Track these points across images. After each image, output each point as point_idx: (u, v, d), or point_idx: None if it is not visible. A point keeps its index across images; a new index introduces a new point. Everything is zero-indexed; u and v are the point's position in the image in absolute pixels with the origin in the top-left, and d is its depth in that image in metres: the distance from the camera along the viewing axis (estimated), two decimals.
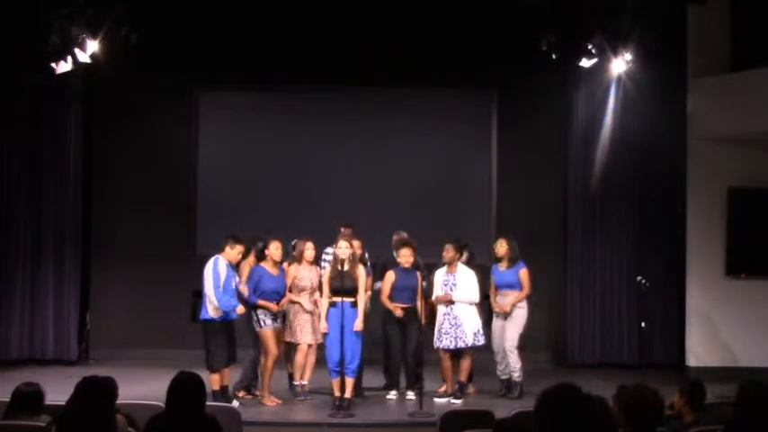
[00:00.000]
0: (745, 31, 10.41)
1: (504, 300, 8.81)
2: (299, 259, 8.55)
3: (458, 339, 8.48)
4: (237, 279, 8.26)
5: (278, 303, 8.35)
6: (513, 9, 9.86)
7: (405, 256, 8.56)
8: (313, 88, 11.30)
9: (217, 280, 7.98)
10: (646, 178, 10.89)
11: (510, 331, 8.73)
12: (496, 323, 8.86)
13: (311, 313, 8.43)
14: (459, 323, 8.46)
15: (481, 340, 8.57)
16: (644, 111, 10.63)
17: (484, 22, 10.59)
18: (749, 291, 10.41)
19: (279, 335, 8.42)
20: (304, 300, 8.43)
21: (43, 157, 10.76)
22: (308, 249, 8.55)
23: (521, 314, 8.78)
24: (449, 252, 8.60)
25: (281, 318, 8.43)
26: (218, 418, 4.21)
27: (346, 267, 8.09)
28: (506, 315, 8.76)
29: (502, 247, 8.88)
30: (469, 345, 8.49)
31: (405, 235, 9.06)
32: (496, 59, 10.97)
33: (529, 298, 8.87)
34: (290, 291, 8.46)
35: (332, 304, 8.09)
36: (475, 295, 8.55)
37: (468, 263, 8.86)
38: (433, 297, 8.62)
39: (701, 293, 10.51)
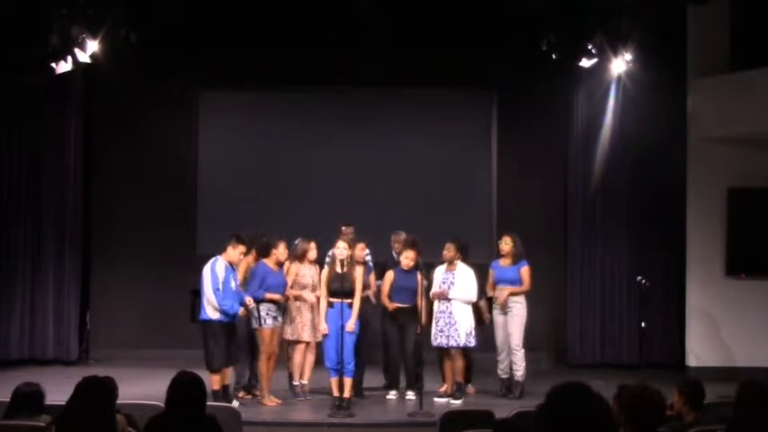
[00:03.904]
0: (745, 31, 10.40)
1: (500, 292, 8.81)
2: (300, 258, 8.54)
3: (450, 338, 8.48)
4: (238, 280, 8.27)
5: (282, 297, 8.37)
6: (513, 9, 9.85)
7: (406, 258, 8.56)
8: (313, 88, 11.30)
9: (215, 282, 7.97)
10: (646, 178, 10.89)
11: (514, 331, 8.73)
12: (498, 319, 8.86)
13: (312, 311, 8.43)
14: (453, 322, 8.46)
15: (473, 342, 8.57)
16: (644, 111, 10.62)
17: (484, 21, 10.59)
18: (749, 291, 10.41)
19: (278, 334, 8.41)
20: (307, 293, 8.42)
21: (43, 157, 10.77)
22: (312, 250, 8.57)
23: (521, 311, 8.78)
24: (449, 251, 8.61)
25: (282, 316, 8.42)
26: (218, 418, 4.21)
27: (345, 269, 8.10)
28: (505, 309, 8.76)
29: (507, 245, 8.88)
30: (461, 345, 8.49)
31: (404, 235, 9.06)
32: (496, 59, 10.98)
33: (528, 296, 8.87)
34: (292, 288, 8.47)
35: (330, 305, 8.10)
36: (472, 294, 8.55)
37: (464, 261, 8.87)
38: (431, 293, 8.62)
39: (701, 293, 10.51)
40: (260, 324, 8.31)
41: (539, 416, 2.83)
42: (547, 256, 10.68)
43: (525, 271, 8.81)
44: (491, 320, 9.01)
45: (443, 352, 8.63)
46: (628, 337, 10.79)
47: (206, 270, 8.09)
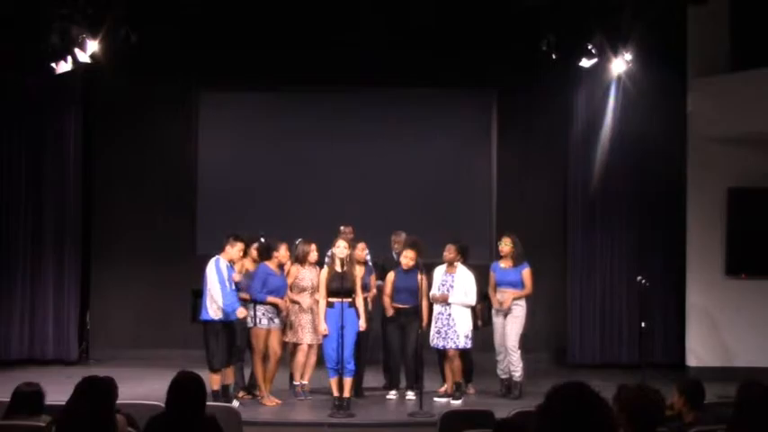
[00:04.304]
0: (745, 31, 10.40)
1: (503, 296, 8.80)
2: (301, 260, 8.54)
3: (448, 340, 8.47)
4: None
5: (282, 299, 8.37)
6: (513, 9, 9.85)
7: (407, 257, 8.56)
8: (313, 88, 11.31)
9: (222, 278, 7.98)
10: (646, 178, 10.89)
11: (511, 331, 8.72)
12: (497, 321, 8.85)
13: (311, 313, 8.43)
14: (452, 324, 8.45)
15: (470, 344, 8.55)
16: (644, 111, 10.62)
17: (484, 22, 10.59)
18: (749, 291, 10.41)
19: (278, 335, 8.41)
20: (304, 298, 8.42)
21: (43, 157, 10.77)
22: (313, 252, 8.56)
23: (521, 313, 8.77)
24: (450, 252, 8.59)
25: (278, 318, 8.42)
26: (218, 418, 4.21)
27: (345, 268, 8.10)
28: (506, 312, 8.76)
29: (506, 246, 8.86)
30: (459, 347, 8.48)
31: (404, 235, 9.06)
32: (497, 59, 10.97)
33: (528, 298, 8.87)
34: (291, 290, 8.47)
35: (329, 305, 8.10)
36: (471, 298, 8.53)
37: (464, 262, 8.86)
38: (430, 295, 8.62)
39: (701, 293, 10.51)
40: (254, 323, 8.31)
41: (539, 416, 2.83)
42: (547, 255, 10.68)
43: (527, 273, 8.80)
44: (487, 322, 9.00)
45: (440, 353, 8.63)
46: (628, 337, 10.79)
47: (210, 268, 8.08)
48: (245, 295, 8.26)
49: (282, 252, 8.40)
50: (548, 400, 2.82)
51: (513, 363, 8.73)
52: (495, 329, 8.86)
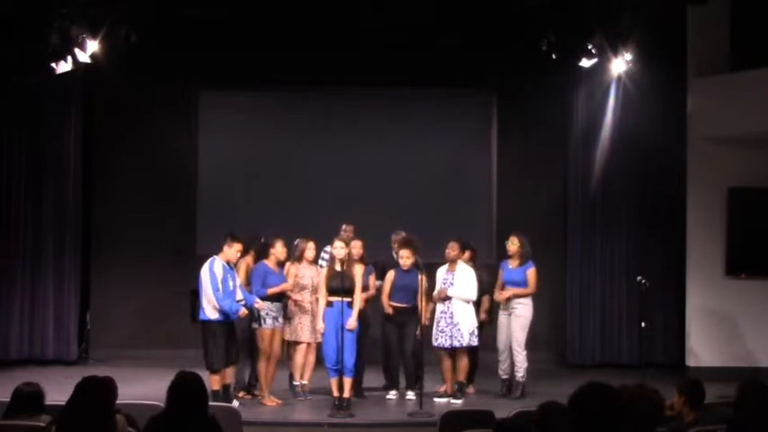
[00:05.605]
0: (745, 31, 10.40)
1: (503, 294, 8.79)
2: (299, 259, 8.55)
3: (453, 338, 8.46)
4: (239, 281, 8.25)
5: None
6: (513, 9, 9.86)
7: (403, 257, 8.56)
8: (313, 88, 11.30)
9: (215, 282, 7.95)
10: (646, 178, 10.90)
11: (516, 331, 8.72)
12: (502, 320, 8.85)
13: (311, 312, 8.43)
14: (455, 322, 8.45)
15: (475, 341, 8.56)
16: (644, 111, 10.62)
17: (484, 22, 10.59)
18: (749, 291, 10.40)
19: (279, 334, 8.42)
20: (305, 297, 8.42)
21: (43, 157, 10.76)
22: (310, 249, 8.57)
23: (524, 312, 8.76)
24: (453, 250, 8.61)
25: (282, 317, 8.42)
26: (218, 418, 4.21)
27: (344, 267, 8.10)
28: (509, 310, 8.75)
29: (513, 245, 8.86)
30: (464, 344, 8.48)
31: (404, 234, 9.06)
32: (496, 60, 10.98)
33: (534, 298, 8.86)
34: (292, 290, 8.46)
35: (329, 304, 8.09)
36: (471, 293, 8.53)
37: (472, 262, 8.86)
38: (433, 295, 8.62)
39: (701, 293, 10.51)
40: (260, 324, 8.31)
41: (567, 415, 2.86)
42: (547, 255, 10.63)
43: (531, 273, 8.79)
44: (491, 321, 9.01)
45: (445, 352, 8.61)
46: (628, 337, 10.79)
47: (204, 270, 8.07)
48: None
49: (279, 248, 8.39)
50: (576, 402, 2.85)
51: (517, 362, 8.72)
52: (500, 329, 8.87)
